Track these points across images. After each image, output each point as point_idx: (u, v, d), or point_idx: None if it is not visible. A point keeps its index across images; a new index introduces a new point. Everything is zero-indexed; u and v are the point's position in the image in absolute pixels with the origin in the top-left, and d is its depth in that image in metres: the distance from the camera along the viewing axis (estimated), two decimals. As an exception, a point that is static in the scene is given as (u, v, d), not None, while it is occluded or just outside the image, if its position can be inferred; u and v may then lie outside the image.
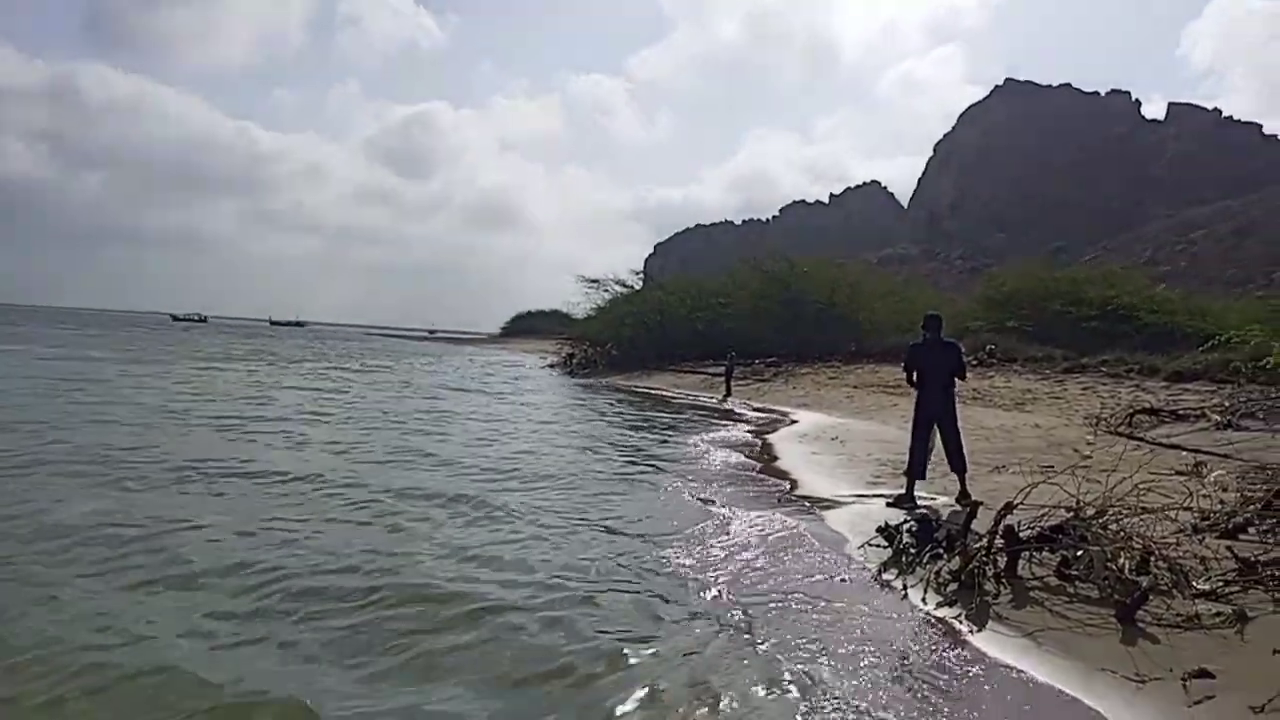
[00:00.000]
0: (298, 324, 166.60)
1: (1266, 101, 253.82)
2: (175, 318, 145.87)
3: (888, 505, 8.48)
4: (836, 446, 13.81)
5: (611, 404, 24.13)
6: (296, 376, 27.70)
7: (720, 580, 5.99)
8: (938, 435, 8.87)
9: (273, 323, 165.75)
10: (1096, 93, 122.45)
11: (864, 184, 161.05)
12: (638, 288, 51.71)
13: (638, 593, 5.70)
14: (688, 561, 6.52)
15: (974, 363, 25.04)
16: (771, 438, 15.68)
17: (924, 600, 5.38)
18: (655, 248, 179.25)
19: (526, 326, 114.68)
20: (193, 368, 28.82)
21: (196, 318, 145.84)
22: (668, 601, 5.50)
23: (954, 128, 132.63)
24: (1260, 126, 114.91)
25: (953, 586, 5.48)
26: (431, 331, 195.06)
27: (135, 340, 51.56)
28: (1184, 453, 11.13)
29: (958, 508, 8.00)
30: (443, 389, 26.63)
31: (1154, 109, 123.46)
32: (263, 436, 12.70)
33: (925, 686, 4.17)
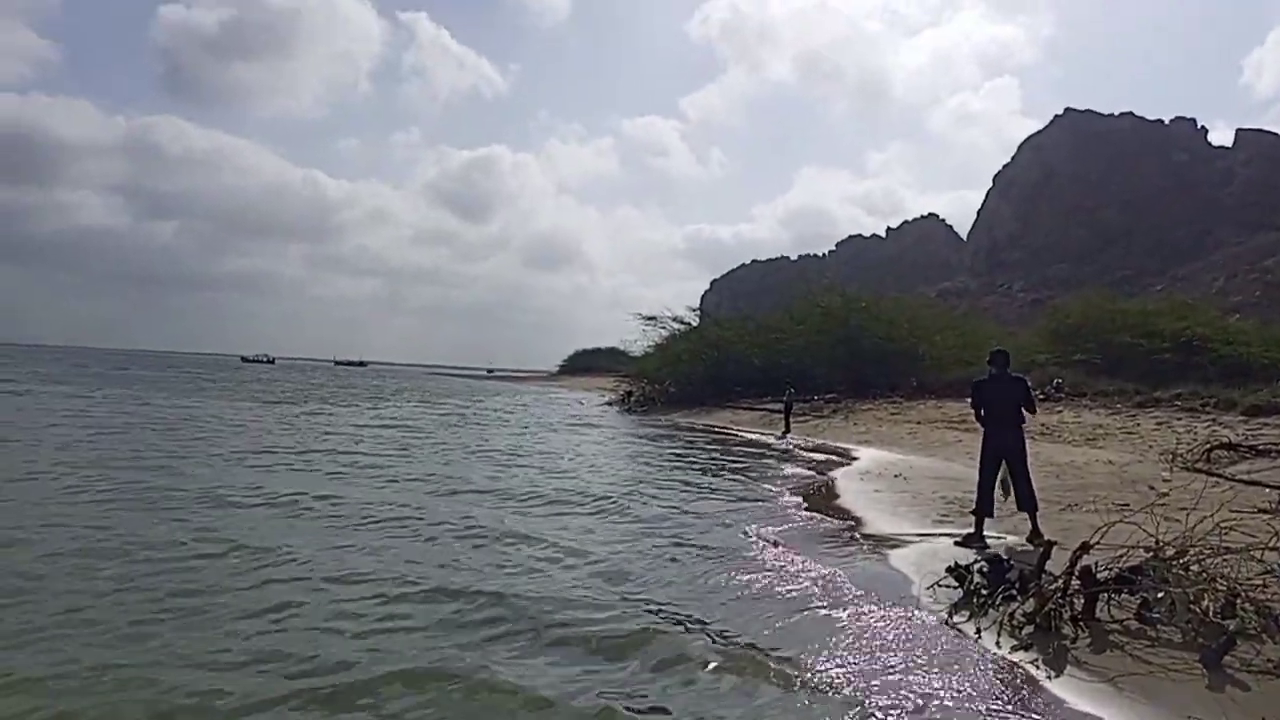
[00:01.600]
0: (360, 364, 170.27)
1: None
2: (244, 359, 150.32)
3: (955, 544, 8.32)
4: (900, 484, 13.60)
5: (671, 442, 24.12)
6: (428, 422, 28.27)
7: (788, 621, 5.93)
8: (1006, 472, 8.70)
9: (336, 363, 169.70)
10: (1160, 120, 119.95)
11: (921, 217, 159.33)
12: (695, 324, 51.82)
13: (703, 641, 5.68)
14: (750, 606, 6.48)
15: (1041, 397, 24.50)
16: (833, 475, 15.50)
17: (998, 644, 5.25)
18: (711, 284, 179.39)
19: (584, 364, 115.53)
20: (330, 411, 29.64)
21: (265, 359, 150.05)
22: (723, 645, 5.47)
23: (1014, 157, 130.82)
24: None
25: (1028, 629, 5.34)
26: (490, 370, 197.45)
27: (241, 383, 53.28)
28: (1267, 489, 10.72)
29: (1029, 547, 7.82)
30: (531, 426, 26.97)
31: (1220, 136, 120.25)
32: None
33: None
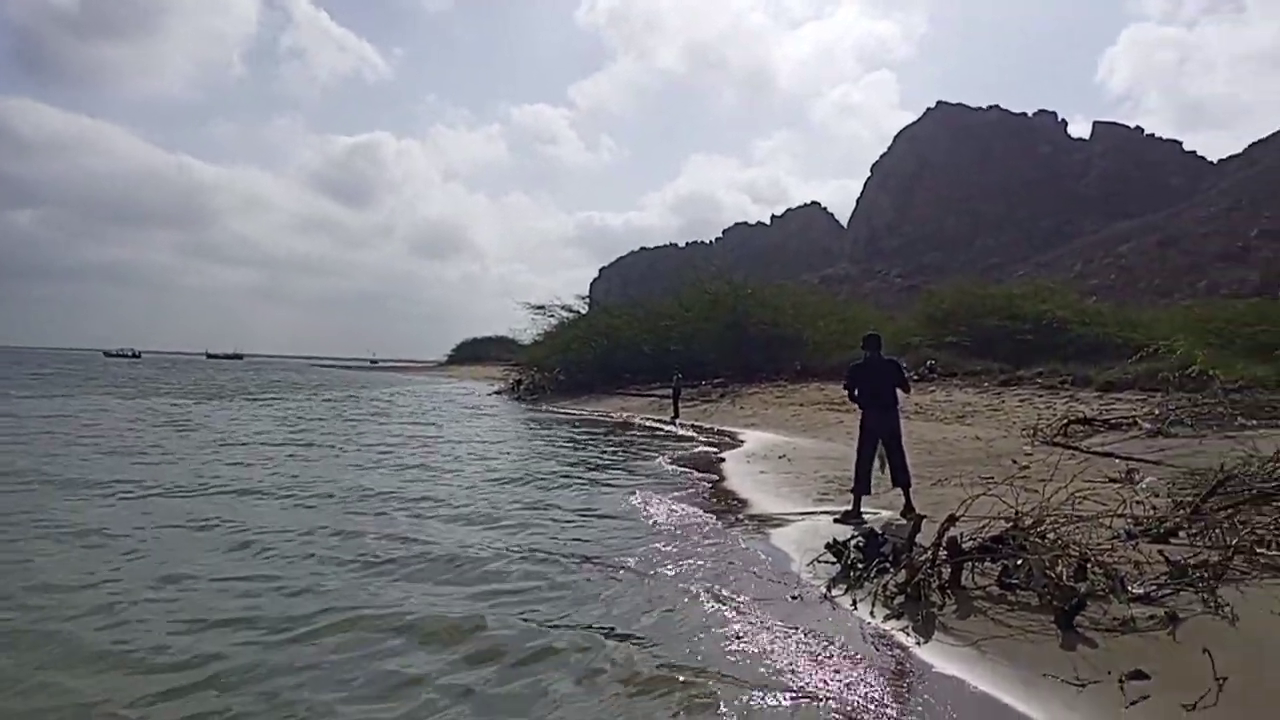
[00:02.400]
0: (236, 356, 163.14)
1: (1180, 123, 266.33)
2: (107, 353, 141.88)
3: (835, 521, 8.61)
4: (784, 465, 13.96)
5: (560, 429, 24.07)
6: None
7: (669, 598, 6.03)
8: (883, 450, 9.05)
9: (209, 355, 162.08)
10: (1024, 113, 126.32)
11: (804, 205, 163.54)
12: (583, 312, 51.78)
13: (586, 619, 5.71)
14: (637, 585, 6.55)
15: (915, 378, 25.54)
16: (720, 458, 15.79)
17: (872, 614, 5.48)
18: (600, 271, 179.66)
19: (473, 353, 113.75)
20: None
21: (130, 353, 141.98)
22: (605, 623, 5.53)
23: (890, 148, 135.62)
24: (1180, 143, 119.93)
25: (899, 599, 5.59)
26: (374, 361, 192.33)
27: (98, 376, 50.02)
28: (1117, 460, 11.47)
29: (903, 521, 8.15)
30: (383, 421, 26.31)
31: (1079, 128, 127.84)
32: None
33: (869, 700, 4.25)
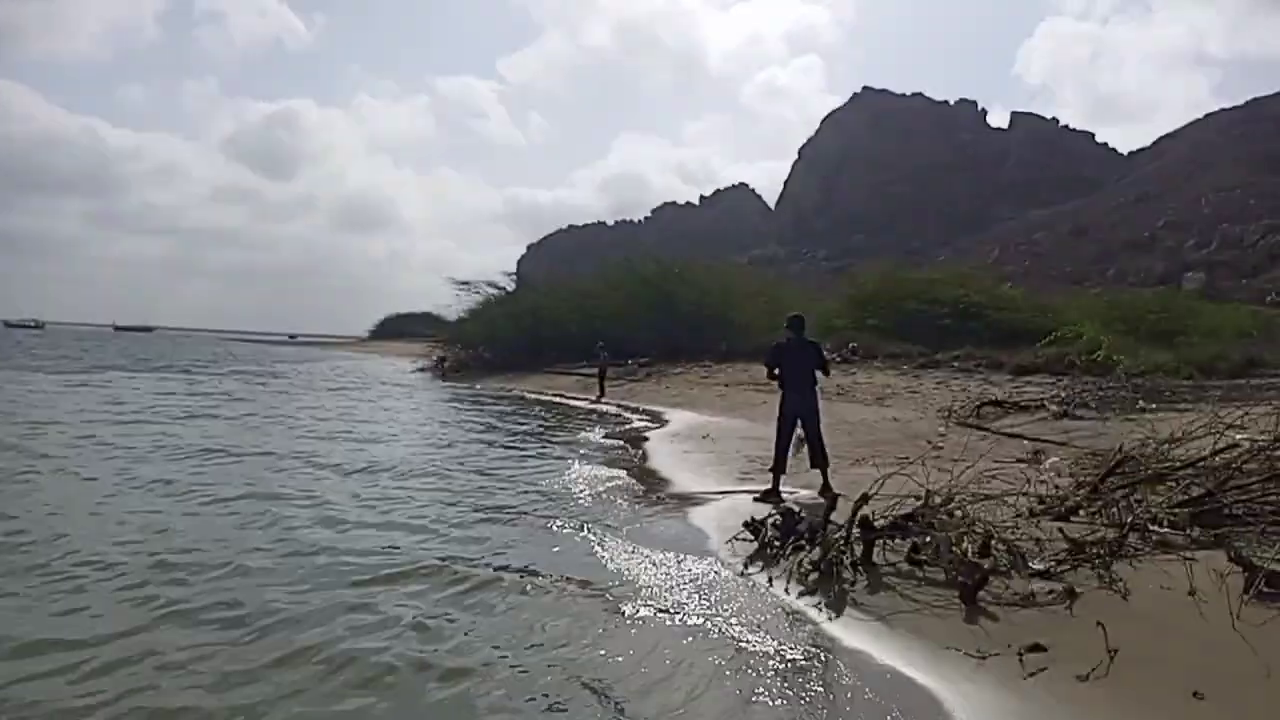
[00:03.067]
0: (145, 329, 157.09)
1: (1092, 116, 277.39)
2: (8, 324, 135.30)
3: (755, 500, 8.72)
4: (708, 445, 14.09)
5: (484, 407, 23.86)
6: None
7: (584, 578, 6.04)
8: (801, 430, 9.20)
9: (117, 328, 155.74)
10: (946, 101, 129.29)
11: (733, 186, 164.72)
12: (510, 289, 51.30)
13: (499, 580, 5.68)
14: (553, 558, 6.55)
15: (838, 360, 26.05)
16: (645, 437, 15.86)
17: (787, 590, 5.58)
18: (528, 249, 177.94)
19: (396, 329, 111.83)
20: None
21: (32, 324, 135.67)
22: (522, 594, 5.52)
23: (817, 132, 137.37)
24: (1093, 135, 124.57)
25: (814, 576, 5.70)
26: (292, 336, 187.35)
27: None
28: (1025, 441, 11.90)
29: (820, 500, 8.30)
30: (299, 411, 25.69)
31: (998, 118, 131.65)
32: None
33: (777, 673, 4.34)
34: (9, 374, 27.90)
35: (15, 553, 6.34)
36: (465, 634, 4.97)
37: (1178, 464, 6.92)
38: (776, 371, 9.48)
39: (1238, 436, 6.91)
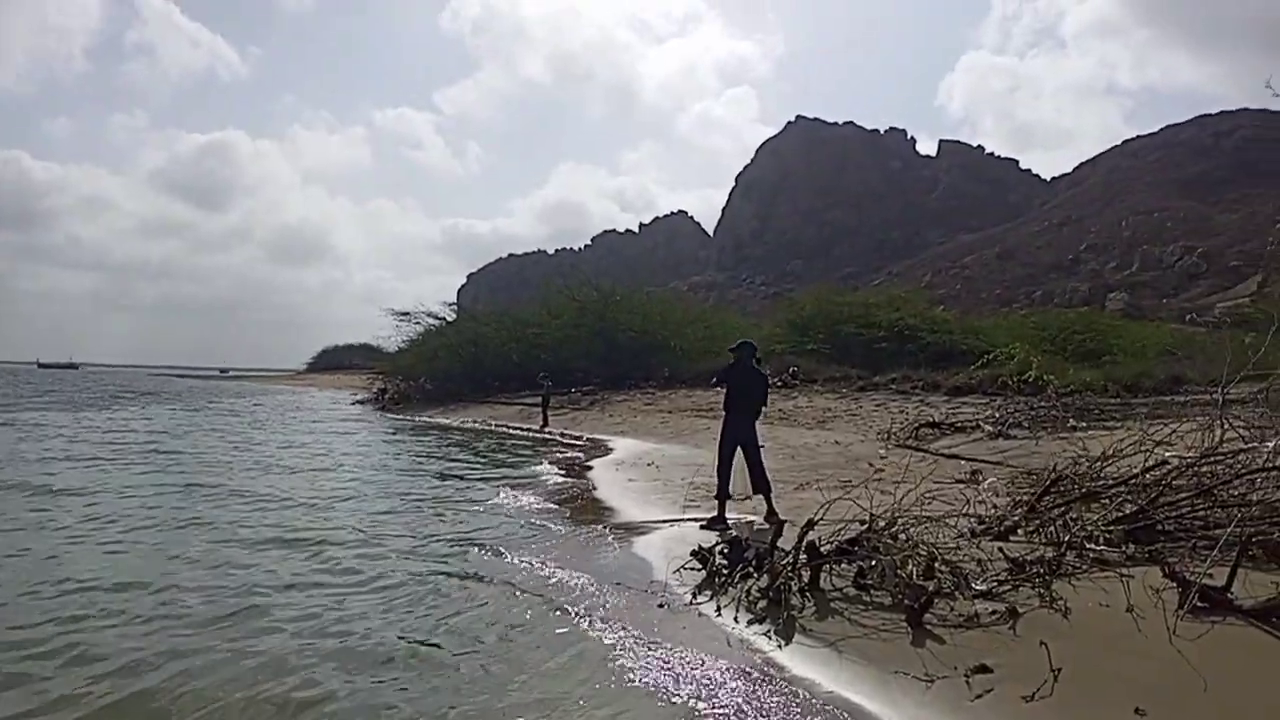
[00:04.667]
0: (71, 366, 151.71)
1: (1011, 145, 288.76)
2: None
3: (700, 528, 8.69)
4: (652, 472, 14.05)
5: (424, 439, 23.51)
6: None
7: (537, 607, 5.95)
8: (743, 456, 9.23)
9: (41, 365, 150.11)
10: (876, 130, 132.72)
11: (671, 214, 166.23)
12: (451, 319, 50.84)
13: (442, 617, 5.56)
14: (500, 588, 6.44)
15: (779, 384, 26.33)
16: (589, 465, 15.77)
17: (735, 619, 5.55)
18: (468, 278, 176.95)
19: (334, 361, 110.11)
20: None
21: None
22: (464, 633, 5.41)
23: (753, 159, 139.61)
24: (1017, 162, 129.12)
25: (762, 604, 5.68)
26: (224, 370, 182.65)
27: None
28: (963, 462, 12.13)
29: (766, 526, 8.32)
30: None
31: (926, 146, 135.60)
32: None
33: (727, 705, 4.31)
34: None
35: None
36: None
37: (1110, 482, 7.11)
38: (723, 389, 9.50)
39: (1167, 454, 7.13)
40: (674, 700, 4.42)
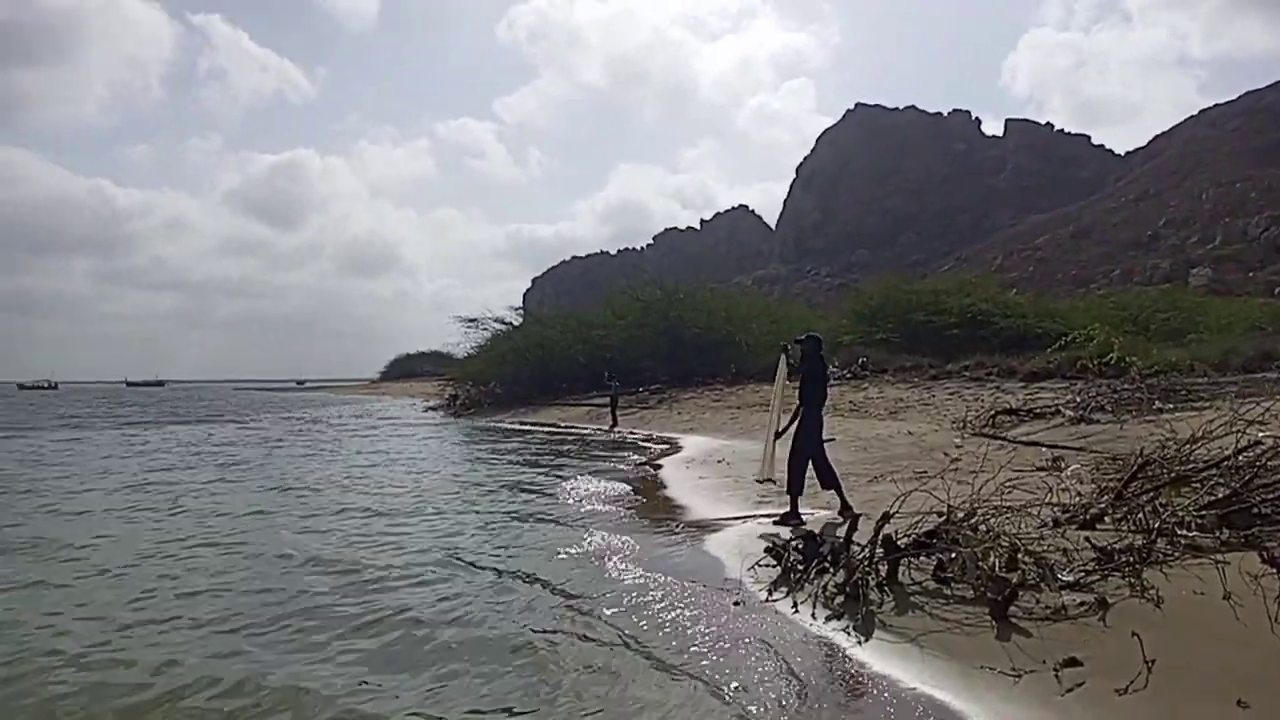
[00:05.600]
0: (158, 383, 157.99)
1: (1082, 121, 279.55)
2: (22, 386, 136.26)
3: (774, 524, 8.63)
4: (723, 469, 14.00)
5: (499, 443, 23.81)
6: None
7: (618, 610, 5.99)
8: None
9: (129, 384, 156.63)
10: (940, 113, 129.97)
11: (732, 208, 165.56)
12: (517, 324, 51.38)
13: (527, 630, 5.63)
14: (583, 594, 6.49)
15: (848, 375, 25.99)
16: (660, 464, 15.78)
17: (813, 615, 5.49)
18: (533, 282, 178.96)
19: (406, 369, 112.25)
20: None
21: (46, 384, 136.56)
22: (561, 633, 5.47)
23: (813, 150, 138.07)
24: (1089, 137, 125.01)
25: (839, 599, 5.61)
26: (300, 382, 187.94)
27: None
28: (1043, 449, 11.78)
29: (841, 521, 8.20)
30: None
31: (992, 126, 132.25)
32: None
33: (809, 703, 4.27)
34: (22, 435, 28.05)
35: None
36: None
37: (1201, 465, 6.81)
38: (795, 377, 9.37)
39: (1260, 434, 6.82)
40: (750, 693, 4.39)
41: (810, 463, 8.96)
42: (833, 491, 8.94)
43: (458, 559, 8.14)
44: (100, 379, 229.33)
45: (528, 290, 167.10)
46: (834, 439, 9.66)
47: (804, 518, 8.71)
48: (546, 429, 29.03)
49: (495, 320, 50.47)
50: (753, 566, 6.73)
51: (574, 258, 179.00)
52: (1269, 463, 6.33)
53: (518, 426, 30.88)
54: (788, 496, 9.05)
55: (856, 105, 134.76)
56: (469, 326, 50.35)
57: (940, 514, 6.10)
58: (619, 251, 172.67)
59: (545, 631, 5.75)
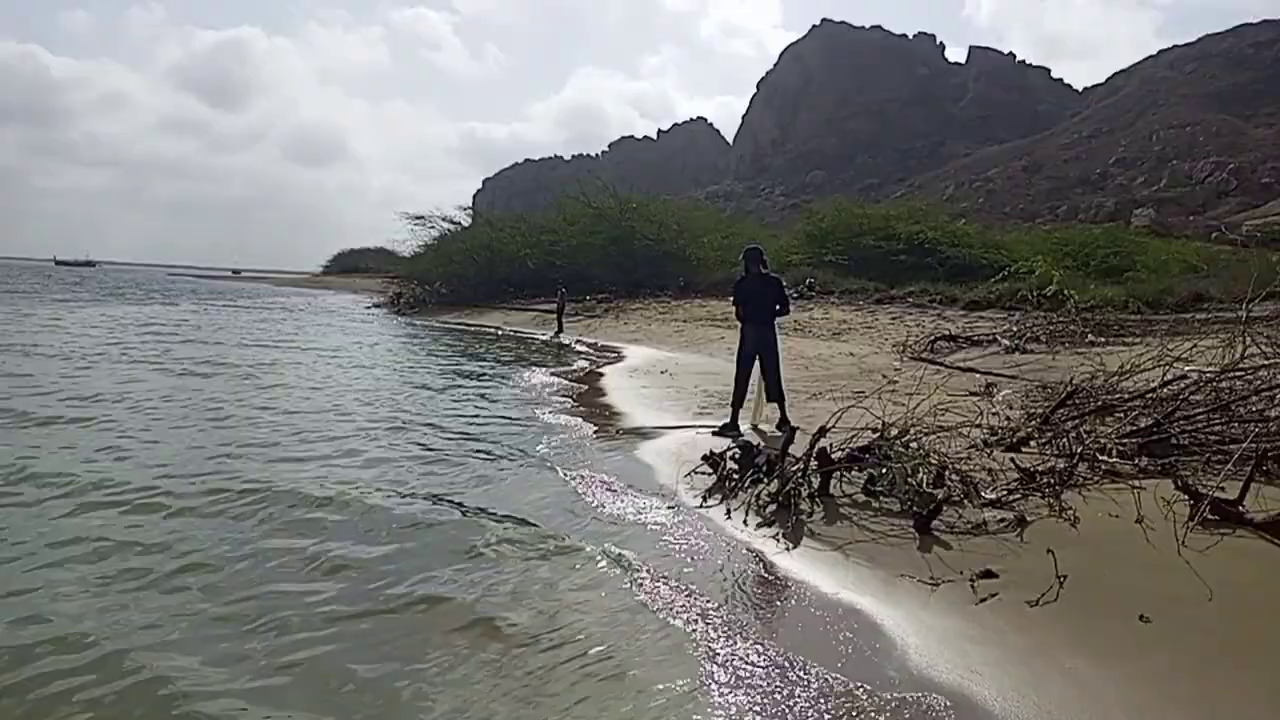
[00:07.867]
0: (88, 264, 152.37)
1: (1042, 55, 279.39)
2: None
3: (713, 434, 8.71)
4: (665, 380, 14.08)
5: (440, 342, 23.62)
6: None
7: (549, 508, 6.05)
8: (760, 365, 9.20)
9: (58, 262, 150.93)
10: (905, 35, 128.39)
11: (690, 120, 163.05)
12: (466, 224, 50.49)
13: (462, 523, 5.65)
14: (514, 494, 6.53)
15: (795, 296, 26.15)
16: (602, 372, 15.81)
17: (744, 523, 5.60)
18: (484, 183, 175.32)
19: (350, 265, 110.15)
20: None
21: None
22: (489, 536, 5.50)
23: (775, 65, 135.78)
24: (1049, 71, 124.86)
25: (772, 508, 5.73)
26: (236, 271, 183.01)
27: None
28: (977, 375, 12.06)
29: (778, 434, 8.33)
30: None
31: (955, 53, 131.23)
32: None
33: (733, 602, 4.39)
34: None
35: None
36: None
37: (1126, 396, 7.05)
38: (740, 310, 9.43)
39: (1185, 369, 7.04)
40: (675, 597, 4.49)
41: (763, 374, 9.08)
42: (774, 405, 9.05)
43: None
44: (27, 255, 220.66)
45: (478, 191, 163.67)
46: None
47: (743, 430, 8.83)
48: (491, 331, 28.85)
49: (444, 219, 49.57)
50: (689, 474, 6.82)
51: (527, 160, 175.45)
52: (1191, 397, 6.56)
53: (460, 327, 30.62)
54: (729, 409, 9.15)
55: (822, 21, 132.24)
56: (416, 224, 49.50)
57: (875, 431, 6.22)
58: (574, 157, 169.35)
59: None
